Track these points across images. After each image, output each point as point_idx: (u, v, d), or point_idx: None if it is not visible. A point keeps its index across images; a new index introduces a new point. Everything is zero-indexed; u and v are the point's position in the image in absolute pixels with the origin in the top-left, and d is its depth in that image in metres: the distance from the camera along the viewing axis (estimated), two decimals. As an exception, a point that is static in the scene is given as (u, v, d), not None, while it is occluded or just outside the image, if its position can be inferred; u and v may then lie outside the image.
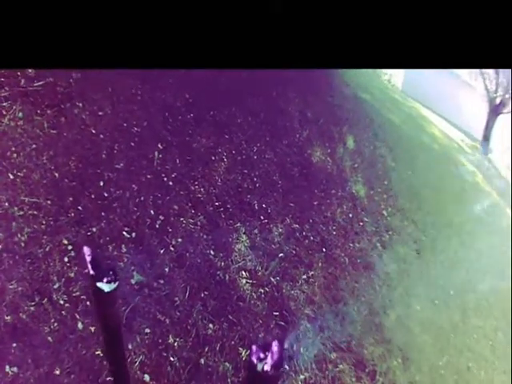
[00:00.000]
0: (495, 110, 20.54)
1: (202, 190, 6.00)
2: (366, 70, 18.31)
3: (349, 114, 11.18)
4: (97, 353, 3.95)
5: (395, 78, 22.68)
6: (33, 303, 3.87)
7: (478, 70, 20.75)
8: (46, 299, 3.96)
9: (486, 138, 21.13)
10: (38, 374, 3.58)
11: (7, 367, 3.48)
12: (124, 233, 4.90)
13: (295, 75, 10.27)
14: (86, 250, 2.64)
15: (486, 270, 10.94)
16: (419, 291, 8.21)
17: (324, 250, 6.75)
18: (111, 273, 2.65)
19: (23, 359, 3.58)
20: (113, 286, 2.66)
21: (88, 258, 2.62)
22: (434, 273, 9.07)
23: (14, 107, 4.84)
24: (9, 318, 3.69)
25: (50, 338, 3.79)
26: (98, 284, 2.63)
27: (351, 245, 7.37)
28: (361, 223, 8.05)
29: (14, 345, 3.60)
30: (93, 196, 4.91)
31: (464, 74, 22.60)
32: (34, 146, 4.77)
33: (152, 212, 5.29)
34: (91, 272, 2.63)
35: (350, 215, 7.96)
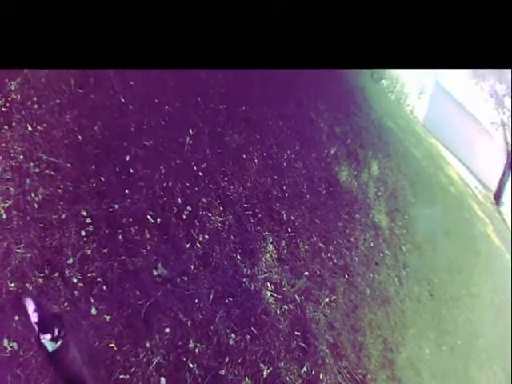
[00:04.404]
0: (512, 165, 20.72)
1: (231, 187, 5.93)
2: (390, 97, 18.53)
3: (374, 139, 11.26)
4: (110, 345, 3.77)
5: (417, 109, 22.88)
6: (41, 275, 3.69)
7: (499, 122, 20.98)
8: (57, 273, 3.78)
9: (500, 190, 21.29)
10: (41, 356, 3.32)
11: (6, 341, 3.29)
12: (148, 217, 4.76)
13: (325, 89, 10.34)
14: (27, 301, 2.43)
15: (489, 324, 11.08)
16: (429, 334, 8.20)
17: (346, 275, 6.69)
18: (56, 329, 2.43)
19: (25, 336, 3.36)
20: (55, 345, 2.45)
21: (30, 308, 2.40)
22: (443, 318, 9.08)
23: (39, 53, 4.71)
24: (13, 285, 3.51)
25: (59, 320, 3.63)
26: (42, 340, 2.43)
27: (371, 275, 7.33)
28: (381, 254, 8.03)
29: (16, 318, 3.40)
30: (117, 169, 4.79)
31: (486, 122, 22.87)
32: (57, 100, 4.65)
33: (180, 201, 5.19)
34: (34, 325, 2.41)
35: (372, 244, 7.93)
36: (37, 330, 2.38)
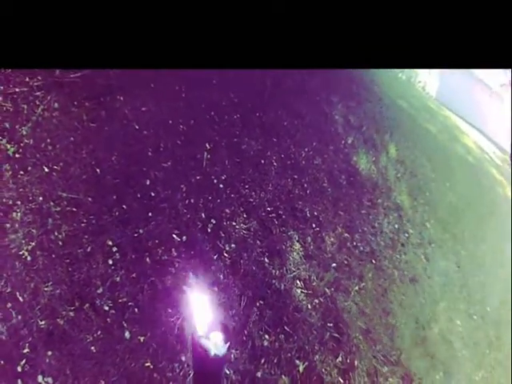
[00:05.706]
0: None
1: (253, 194, 5.79)
2: (400, 78, 18.13)
3: (389, 122, 11.00)
4: (146, 364, 3.68)
5: (429, 85, 22.40)
6: (72, 308, 3.58)
7: (509, 82, 20.41)
8: (87, 304, 3.67)
9: (515, 150, 20.73)
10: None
11: (40, 377, 3.19)
12: (174, 236, 4.63)
13: (336, 81, 10.13)
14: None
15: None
16: (459, 306, 7.99)
17: (373, 261, 6.54)
18: (224, 335, 2.42)
19: (60, 369, 3.29)
20: (222, 350, 2.43)
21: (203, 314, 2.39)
22: (472, 288, 8.84)
23: (49, 97, 4.57)
24: (43, 323, 3.40)
25: (92, 348, 3.51)
26: (204, 341, 2.39)
27: (398, 256, 7.15)
28: (406, 234, 7.83)
29: (50, 353, 3.31)
30: (138, 195, 4.65)
31: (495, 85, 22.33)
32: (71, 138, 4.49)
33: (203, 215, 5.05)
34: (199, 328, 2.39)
35: (396, 226, 7.73)
36: (203, 330, 2.40)
